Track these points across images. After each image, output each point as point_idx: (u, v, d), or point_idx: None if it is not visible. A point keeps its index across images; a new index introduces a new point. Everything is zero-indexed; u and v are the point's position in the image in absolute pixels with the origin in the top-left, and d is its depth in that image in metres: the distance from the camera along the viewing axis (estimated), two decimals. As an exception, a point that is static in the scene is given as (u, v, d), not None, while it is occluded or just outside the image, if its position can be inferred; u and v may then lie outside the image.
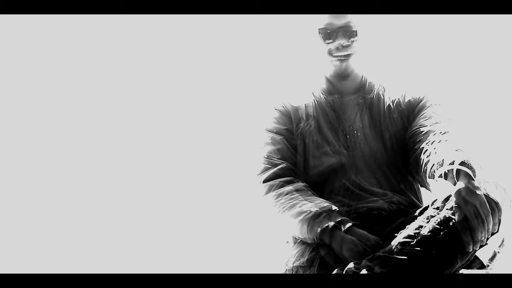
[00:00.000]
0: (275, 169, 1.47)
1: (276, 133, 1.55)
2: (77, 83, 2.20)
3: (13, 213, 2.10)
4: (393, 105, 1.57)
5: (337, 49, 1.48)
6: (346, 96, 1.58)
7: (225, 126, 2.24)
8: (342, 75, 1.53)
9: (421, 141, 1.42)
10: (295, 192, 1.40)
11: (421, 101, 1.54)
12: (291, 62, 2.15)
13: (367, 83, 1.60)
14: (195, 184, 2.23)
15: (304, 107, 1.59)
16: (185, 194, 2.22)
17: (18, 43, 2.12)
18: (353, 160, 1.49)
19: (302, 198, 1.38)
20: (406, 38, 2.25)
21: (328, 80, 1.58)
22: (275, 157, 1.50)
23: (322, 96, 1.59)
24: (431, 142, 1.36)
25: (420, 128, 1.46)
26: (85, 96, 2.21)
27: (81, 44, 2.18)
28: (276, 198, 1.40)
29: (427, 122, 1.48)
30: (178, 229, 2.18)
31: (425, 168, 1.34)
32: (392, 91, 1.61)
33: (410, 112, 1.55)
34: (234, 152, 2.12)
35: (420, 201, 1.52)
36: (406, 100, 1.57)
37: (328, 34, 1.49)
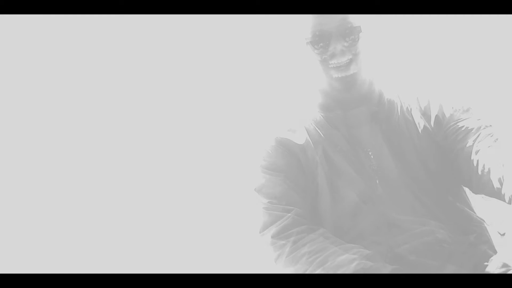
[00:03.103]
0: (282, 219, 1.15)
1: (274, 170, 1.22)
2: (77, 83, 2.20)
3: (13, 213, 2.10)
4: (418, 114, 1.25)
5: (333, 55, 1.15)
6: (351, 111, 1.25)
7: (224, 126, 2.24)
8: (345, 87, 1.20)
9: (463, 140, 1.14)
10: (318, 243, 1.09)
11: (452, 113, 1.22)
12: (285, 71, 2.02)
13: (375, 91, 1.27)
14: (194, 184, 2.23)
15: (306, 142, 1.23)
16: (184, 194, 2.22)
17: (18, 43, 2.12)
18: (378, 190, 1.19)
19: (332, 250, 1.06)
20: (406, 38, 2.26)
21: (326, 94, 1.25)
22: (278, 204, 1.18)
23: (320, 115, 1.26)
24: (479, 141, 1.11)
25: (458, 123, 1.18)
26: (85, 96, 2.21)
27: (81, 44, 2.18)
28: (295, 258, 1.09)
29: (462, 115, 1.20)
30: (178, 229, 2.18)
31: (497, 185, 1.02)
32: (410, 97, 1.30)
33: (438, 116, 1.23)
34: (234, 152, 2.12)
35: (469, 220, 1.21)
36: (429, 105, 1.25)
37: (319, 38, 1.16)
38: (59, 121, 2.19)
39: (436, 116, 1.24)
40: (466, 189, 1.27)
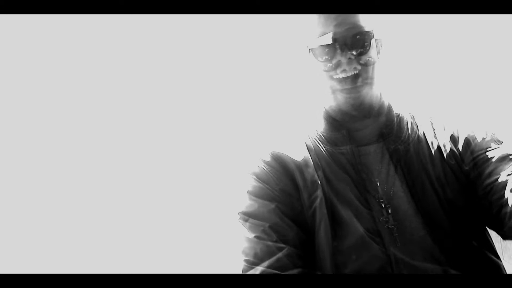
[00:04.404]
0: (272, 259, 0.95)
1: (264, 197, 1.04)
2: (77, 83, 2.20)
3: (13, 213, 2.10)
4: (442, 147, 1.08)
5: (338, 65, 1.00)
6: (358, 132, 1.10)
7: (224, 127, 2.23)
8: (351, 101, 1.03)
9: (494, 173, 0.97)
10: None
11: (484, 137, 1.07)
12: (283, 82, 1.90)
13: (384, 107, 1.12)
14: (194, 184, 2.23)
15: (305, 160, 1.07)
16: (184, 194, 2.22)
17: (18, 43, 2.12)
18: (387, 226, 1.01)
19: None
20: (406, 38, 2.25)
21: (330, 109, 1.09)
22: (267, 239, 0.98)
23: (323, 134, 1.10)
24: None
25: (488, 153, 1.02)
26: (85, 96, 2.21)
27: (81, 44, 2.18)
28: None
29: (493, 152, 1.02)
30: (178, 230, 2.18)
31: None
32: (432, 125, 1.13)
33: (467, 150, 1.07)
34: (233, 153, 2.11)
35: (498, 272, 1.03)
36: (460, 137, 1.09)
37: (322, 46, 0.99)
38: (59, 121, 2.19)
39: (466, 138, 1.09)
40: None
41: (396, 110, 1.15)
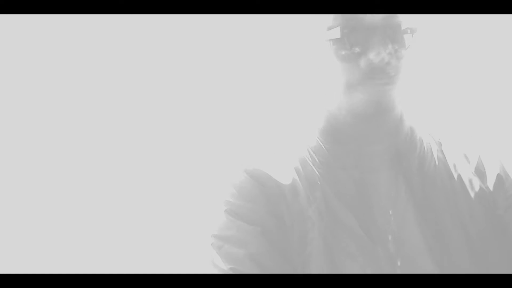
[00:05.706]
0: None
1: (246, 221, 0.85)
2: (77, 83, 2.20)
3: (13, 213, 2.10)
4: (467, 168, 0.93)
5: (374, 64, 0.79)
6: (368, 147, 0.92)
7: (224, 127, 2.24)
8: (374, 111, 0.84)
9: None
10: None
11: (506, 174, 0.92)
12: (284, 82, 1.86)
13: (406, 127, 0.94)
14: (193, 184, 2.23)
15: (304, 159, 0.92)
16: (184, 195, 2.22)
17: (18, 43, 2.12)
18: (397, 269, 0.87)
19: None
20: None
21: (337, 118, 0.90)
22: (248, 271, 0.82)
23: (323, 147, 0.92)
24: None
25: None
26: (85, 96, 2.21)
27: (81, 44, 2.18)
28: None
29: None
30: (178, 230, 2.18)
31: None
32: (449, 142, 0.98)
33: (501, 175, 0.91)
34: (233, 155, 2.11)
35: None
36: (488, 172, 0.93)
37: (352, 36, 0.80)
38: (59, 121, 2.19)
39: (498, 175, 0.91)
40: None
41: (419, 134, 0.98)
